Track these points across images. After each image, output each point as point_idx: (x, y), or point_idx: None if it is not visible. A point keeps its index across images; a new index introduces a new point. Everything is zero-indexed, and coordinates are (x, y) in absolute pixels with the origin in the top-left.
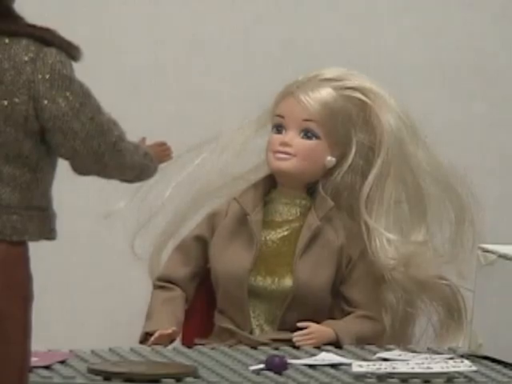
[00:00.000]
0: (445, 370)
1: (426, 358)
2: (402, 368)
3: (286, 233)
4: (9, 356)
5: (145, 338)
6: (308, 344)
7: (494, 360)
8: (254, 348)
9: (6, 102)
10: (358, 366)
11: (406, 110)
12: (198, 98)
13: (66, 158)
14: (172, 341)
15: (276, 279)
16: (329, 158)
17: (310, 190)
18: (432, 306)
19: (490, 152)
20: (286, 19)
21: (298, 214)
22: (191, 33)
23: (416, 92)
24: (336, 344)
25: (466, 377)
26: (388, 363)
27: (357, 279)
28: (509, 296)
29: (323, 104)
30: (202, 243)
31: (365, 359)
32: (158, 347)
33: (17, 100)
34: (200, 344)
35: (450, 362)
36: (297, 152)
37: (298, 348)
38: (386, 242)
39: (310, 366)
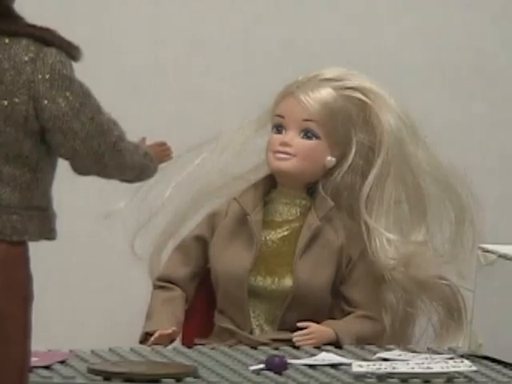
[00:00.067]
0: (445, 370)
1: (426, 358)
2: (402, 368)
3: (286, 233)
4: (9, 356)
5: (145, 337)
6: (308, 344)
7: (494, 360)
8: (254, 348)
9: (5, 102)
10: (358, 366)
11: (406, 110)
12: (198, 98)
13: (66, 158)
14: (172, 341)
15: (276, 279)
16: (329, 158)
17: (310, 190)
18: (432, 306)
19: (490, 152)
20: (286, 19)
21: (298, 214)
22: (191, 33)
23: (416, 92)
24: (336, 344)
25: (466, 377)
26: (388, 363)
27: (357, 279)
28: (509, 296)
29: (323, 104)
30: (201, 243)
31: (365, 359)
32: (158, 347)
33: (17, 100)
34: (200, 344)
35: (450, 361)
36: (297, 152)
37: (298, 348)
38: (386, 242)
39: (310, 365)
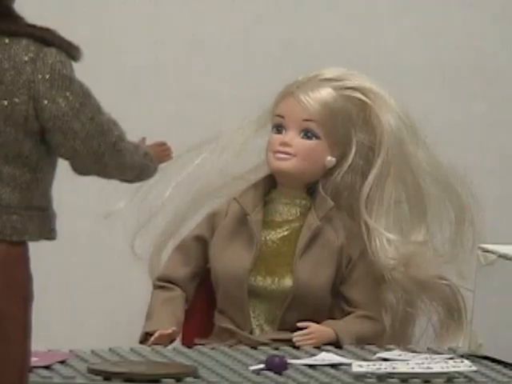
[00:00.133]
0: (445, 370)
1: (426, 358)
2: (402, 368)
3: (286, 233)
4: (9, 356)
5: (145, 337)
6: (308, 344)
7: (494, 360)
8: (254, 348)
9: (6, 102)
10: (358, 366)
11: (406, 110)
12: (198, 98)
13: (66, 158)
14: (172, 341)
15: (276, 279)
16: (329, 158)
17: (310, 190)
18: (432, 306)
19: (490, 152)
20: (286, 19)
21: (298, 214)
22: (191, 33)
23: (416, 92)
24: (336, 344)
25: (466, 377)
26: (388, 363)
27: (357, 279)
28: (509, 296)
29: (323, 104)
30: (201, 243)
31: (365, 359)
32: (158, 347)
33: (17, 100)
34: (200, 344)
35: (450, 361)
36: (297, 152)
37: (298, 348)
38: (386, 242)
39: (310, 365)
